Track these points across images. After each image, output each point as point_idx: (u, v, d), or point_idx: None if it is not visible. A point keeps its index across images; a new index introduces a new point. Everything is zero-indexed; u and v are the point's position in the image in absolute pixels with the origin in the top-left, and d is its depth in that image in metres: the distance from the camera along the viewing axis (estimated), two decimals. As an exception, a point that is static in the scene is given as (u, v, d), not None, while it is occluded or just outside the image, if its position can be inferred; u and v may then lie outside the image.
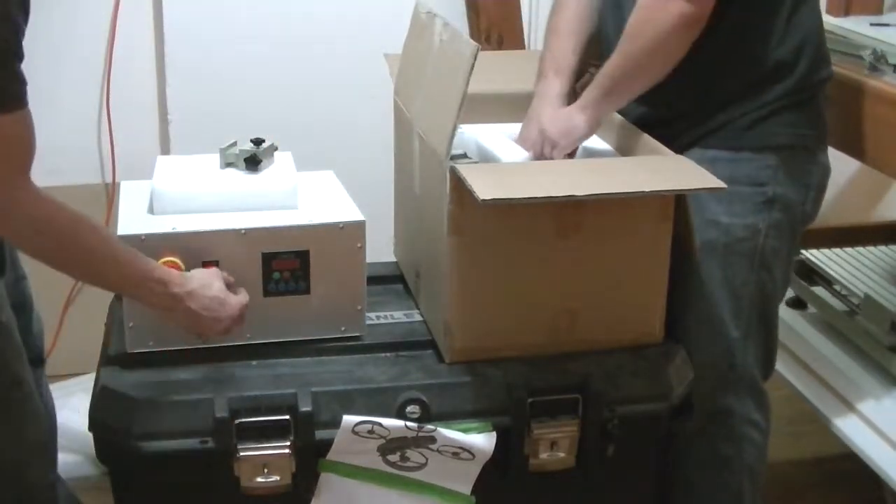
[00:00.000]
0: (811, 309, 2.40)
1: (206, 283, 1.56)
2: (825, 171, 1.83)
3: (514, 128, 1.87)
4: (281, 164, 1.81)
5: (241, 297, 1.61)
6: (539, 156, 1.79)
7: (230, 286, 1.60)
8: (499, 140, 1.84)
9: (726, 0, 1.65)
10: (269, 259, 1.65)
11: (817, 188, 1.81)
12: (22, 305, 1.70)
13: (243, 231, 1.63)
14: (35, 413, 1.62)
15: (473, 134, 1.88)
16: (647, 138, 1.78)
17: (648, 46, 1.66)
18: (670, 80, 1.69)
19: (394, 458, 1.60)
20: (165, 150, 2.60)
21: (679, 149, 1.72)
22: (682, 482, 1.86)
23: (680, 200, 1.67)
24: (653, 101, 1.77)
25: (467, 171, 1.53)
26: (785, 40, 1.72)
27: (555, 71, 1.84)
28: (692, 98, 1.76)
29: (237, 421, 1.54)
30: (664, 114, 1.80)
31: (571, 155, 1.80)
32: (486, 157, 1.85)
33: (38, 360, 1.76)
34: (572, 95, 1.83)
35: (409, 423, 1.57)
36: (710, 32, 1.67)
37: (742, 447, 1.83)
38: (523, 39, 2.70)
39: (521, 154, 1.80)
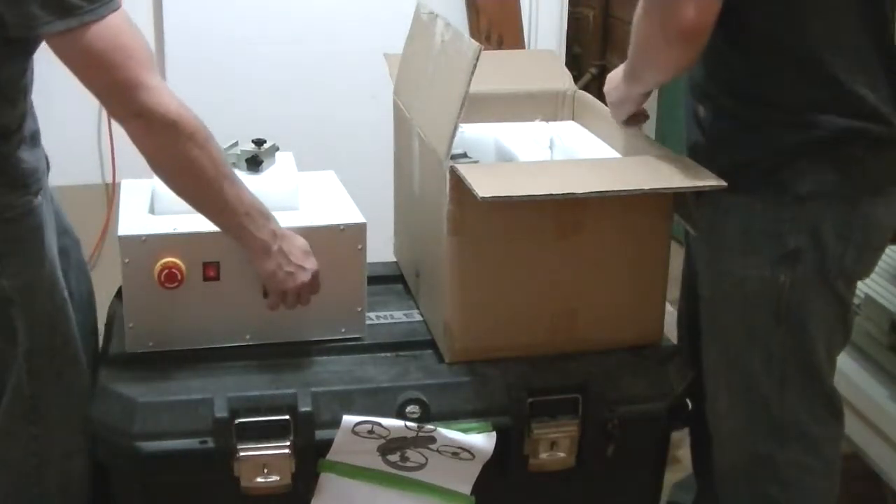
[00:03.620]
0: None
1: (296, 235, 1.59)
2: (871, 224, 1.60)
3: (531, 127, 1.87)
4: (282, 165, 1.81)
5: (318, 273, 1.62)
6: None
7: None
8: (518, 139, 1.84)
9: (734, 28, 1.53)
10: (269, 259, 1.65)
11: (862, 241, 1.60)
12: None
13: (243, 231, 1.63)
14: (84, 393, 1.63)
15: (493, 133, 1.88)
16: (650, 141, 1.78)
17: (637, 51, 1.57)
18: (695, 107, 1.64)
19: (394, 458, 1.60)
20: (165, 150, 2.60)
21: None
22: None
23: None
24: (685, 122, 1.71)
25: (467, 171, 1.54)
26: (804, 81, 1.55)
27: None
28: (711, 132, 1.65)
29: (237, 421, 1.54)
30: (691, 141, 1.70)
31: (636, 118, 1.78)
32: (504, 156, 1.85)
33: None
34: None
35: (409, 423, 1.57)
36: (722, 61, 1.57)
37: (789, 491, 1.71)
38: (523, 39, 2.70)
39: (540, 154, 1.79)
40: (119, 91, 1.39)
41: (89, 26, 1.34)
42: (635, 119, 1.81)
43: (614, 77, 1.76)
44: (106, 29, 1.36)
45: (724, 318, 1.66)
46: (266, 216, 1.55)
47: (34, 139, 1.52)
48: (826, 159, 1.55)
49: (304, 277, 1.59)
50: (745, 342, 1.65)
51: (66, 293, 1.56)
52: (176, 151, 1.44)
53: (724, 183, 1.55)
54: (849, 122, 1.53)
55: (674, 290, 1.90)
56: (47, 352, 1.54)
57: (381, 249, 1.97)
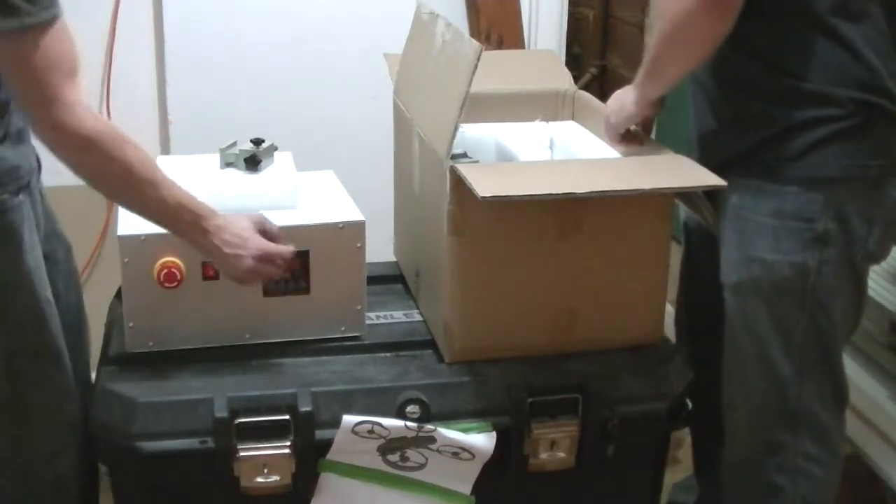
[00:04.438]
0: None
1: (234, 220, 1.58)
2: (894, 206, 1.63)
3: (531, 127, 1.87)
4: (281, 164, 1.81)
5: (270, 245, 1.60)
6: (604, 129, 1.77)
7: (273, 236, 1.61)
8: (518, 139, 1.84)
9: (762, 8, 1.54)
10: (269, 259, 1.65)
11: (885, 223, 1.63)
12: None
13: (243, 231, 1.63)
14: (70, 392, 1.62)
15: (493, 133, 1.88)
16: (650, 141, 1.78)
17: (669, 30, 1.56)
18: (713, 90, 1.63)
19: (394, 458, 1.60)
20: (165, 150, 2.60)
21: (716, 169, 1.62)
22: None
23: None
24: (696, 112, 1.71)
25: (467, 170, 1.53)
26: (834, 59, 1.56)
27: None
28: (730, 112, 1.65)
29: (237, 421, 1.54)
30: (705, 128, 1.71)
31: (640, 136, 1.77)
32: (505, 156, 1.85)
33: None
34: None
35: (409, 423, 1.57)
36: (746, 42, 1.57)
37: (796, 480, 1.73)
38: (523, 39, 2.70)
39: (540, 154, 1.79)
40: (36, 103, 1.38)
41: (26, 32, 1.32)
42: (634, 139, 1.81)
43: (620, 95, 1.76)
44: (41, 37, 1.34)
45: (751, 305, 1.66)
46: (197, 214, 1.53)
47: (20, 137, 1.52)
48: (852, 142, 1.57)
49: (245, 263, 1.56)
50: (768, 329, 1.66)
51: (49, 294, 1.56)
52: (90, 163, 1.44)
53: (724, 182, 1.55)
54: (865, 95, 1.55)
55: (674, 290, 1.91)
56: (28, 352, 1.54)
57: (381, 249, 1.97)
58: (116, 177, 1.46)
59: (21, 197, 1.50)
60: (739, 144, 1.63)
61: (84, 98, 1.41)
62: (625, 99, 1.73)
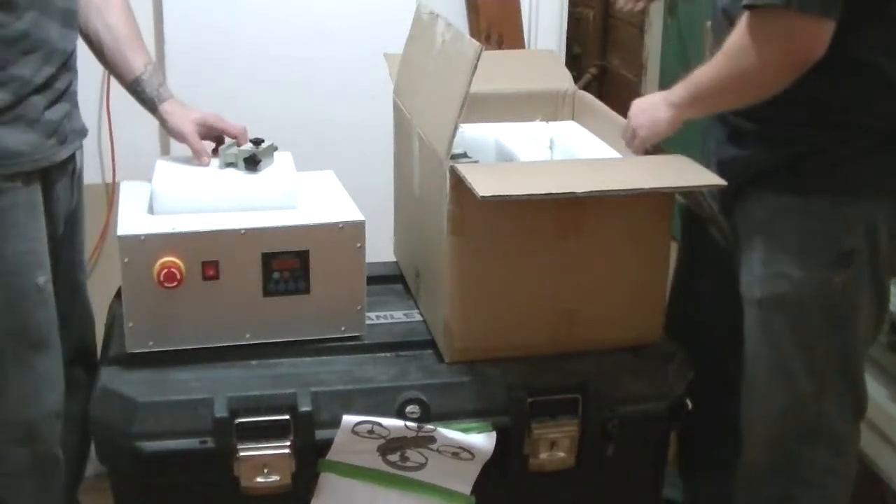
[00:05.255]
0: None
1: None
2: None
3: (533, 127, 1.87)
4: (280, 164, 1.81)
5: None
6: (627, 142, 1.72)
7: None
8: (518, 139, 1.84)
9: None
10: (268, 259, 1.65)
11: None
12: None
13: (243, 231, 1.63)
14: (53, 380, 1.64)
15: (493, 133, 1.88)
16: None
17: (741, 76, 1.52)
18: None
19: (394, 457, 1.60)
20: (165, 150, 2.59)
21: (743, 184, 1.63)
22: None
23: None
24: (717, 124, 1.69)
25: (467, 170, 1.53)
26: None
27: None
28: (756, 128, 1.63)
29: (237, 421, 1.54)
30: (727, 142, 1.68)
31: (656, 150, 1.73)
32: (505, 156, 1.85)
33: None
34: None
35: (409, 423, 1.57)
36: None
37: (810, 492, 1.74)
38: (523, 39, 2.69)
39: (540, 154, 1.79)
40: None
41: None
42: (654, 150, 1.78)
43: (650, 109, 1.70)
44: None
45: (776, 322, 1.66)
46: None
47: (35, 125, 1.54)
48: (882, 158, 1.57)
49: None
50: (791, 344, 1.65)
51: (42, 281, 1.57)
52: None
53: (723, 182, 1.55)
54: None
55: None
56: (7, 335, 1.55)
57: (381, 249, 1.96)
58: None
59: (18, 184, 1.51)
60: (767, 160, 1.61)
61: None
62: (658, 115, 1.66)
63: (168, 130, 1.82)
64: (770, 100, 1.54)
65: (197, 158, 1.78)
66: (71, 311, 1.76)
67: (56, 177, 1.62)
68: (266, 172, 1.77)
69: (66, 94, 1.62)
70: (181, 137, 1.79)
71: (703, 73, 1.58)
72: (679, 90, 1.63)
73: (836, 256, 1.59)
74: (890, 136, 1.57)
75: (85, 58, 1.72)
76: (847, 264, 1.60)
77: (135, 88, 1.77)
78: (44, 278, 1.58)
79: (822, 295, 1.61)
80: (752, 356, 1.70)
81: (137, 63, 1.76)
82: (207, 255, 1.62)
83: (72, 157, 1.67)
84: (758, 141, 1.63)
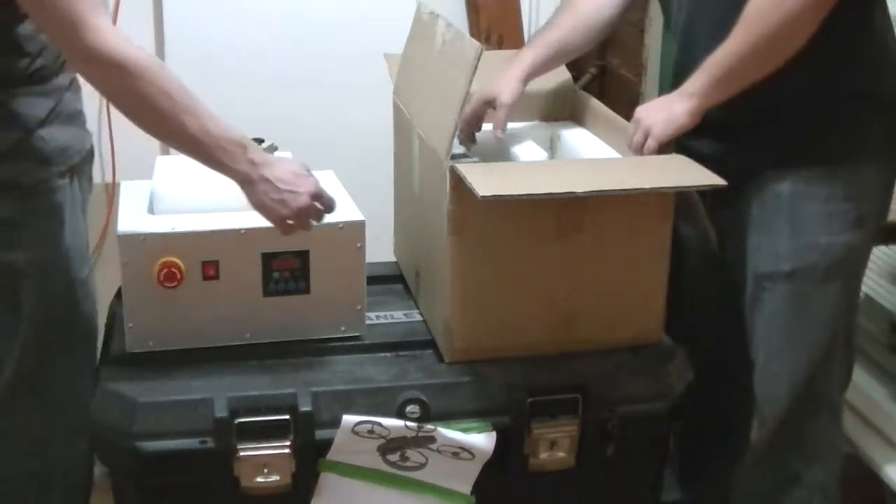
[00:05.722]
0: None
1: (282, 158, 1.55)
2: None
3: (531, 127, 1.86)
4: (281, 164, 1.80)
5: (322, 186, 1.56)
6: (637, 147, 1.69)
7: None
8: (519, 139, 1.84)
9: None
10: (268, 259, 1.65)
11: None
12: None
13: (243, 231, 1.63)
14: (92, 372, 1.66)
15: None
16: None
17: (772, 32, 1.54)
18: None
19: (394, 457, 1.60)
20: (165, 150, 2.59)
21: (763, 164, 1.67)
22: (748, 495, 1.84)
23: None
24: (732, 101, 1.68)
25: (467, 170, 1.53)
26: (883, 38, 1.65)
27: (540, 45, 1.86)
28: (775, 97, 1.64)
29: (237, 421, 1.54)
30: (744, 117, 1.69)
31: (666, 149, 1.70)
32: (505, 156, 1.85)
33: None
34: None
35: (409, 423, 1.57)
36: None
37: (812, 465, 1.79)
38: (523, 39, 2.69)
39: (540, 154, 1.79)
40: (63, 29, 1.36)
41: None
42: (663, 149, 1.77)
43: (662, 106, 1.69)
44: None
45: (804, 291, 1.69)
46: (242, 145, 1.48)
47: (72, 119, 1.56)
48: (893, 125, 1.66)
49: (299, 201, 1.51)
50: (817, 312, 1.70)
51: (85, 275, 1.60)
52: (127, 91, 1.40)
53: (723, 182, 1.55)
54: None
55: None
56: (57, 325, 1.57)
57: (381, 249, 1.96)
58: (156, 105, 1.41)
59: (67, 180, 1.52)
60: (785, 140, 1.66)
61: (114, 25, 1.40)
62: (674, 109, 1.65)
63: None
64: (781, 83, 1.58)
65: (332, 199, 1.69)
66: None
67: (84, 168, 1.65)
68: (266, 172, 1.77)
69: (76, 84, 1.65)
70: None
71: (723, 53, 1.60)
72: (695, 80, 1.64)
73: (854, 219, 1.66)
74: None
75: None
76: (860, 227, 1.67)
77: None
78: (87, 271, 1.61)
79: (846, 258, 1.68)
80: (769, 332, 1.73)
81: None
82: (207, 254, 1.62)
83: (92, 146, 1.70)
84: (775, 121, 1.67)
